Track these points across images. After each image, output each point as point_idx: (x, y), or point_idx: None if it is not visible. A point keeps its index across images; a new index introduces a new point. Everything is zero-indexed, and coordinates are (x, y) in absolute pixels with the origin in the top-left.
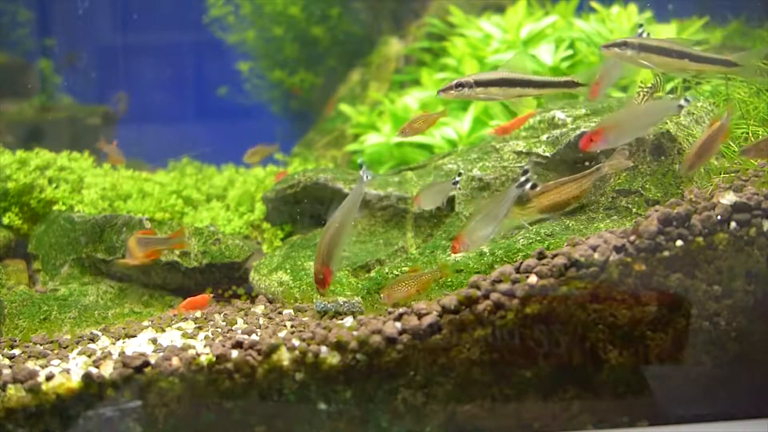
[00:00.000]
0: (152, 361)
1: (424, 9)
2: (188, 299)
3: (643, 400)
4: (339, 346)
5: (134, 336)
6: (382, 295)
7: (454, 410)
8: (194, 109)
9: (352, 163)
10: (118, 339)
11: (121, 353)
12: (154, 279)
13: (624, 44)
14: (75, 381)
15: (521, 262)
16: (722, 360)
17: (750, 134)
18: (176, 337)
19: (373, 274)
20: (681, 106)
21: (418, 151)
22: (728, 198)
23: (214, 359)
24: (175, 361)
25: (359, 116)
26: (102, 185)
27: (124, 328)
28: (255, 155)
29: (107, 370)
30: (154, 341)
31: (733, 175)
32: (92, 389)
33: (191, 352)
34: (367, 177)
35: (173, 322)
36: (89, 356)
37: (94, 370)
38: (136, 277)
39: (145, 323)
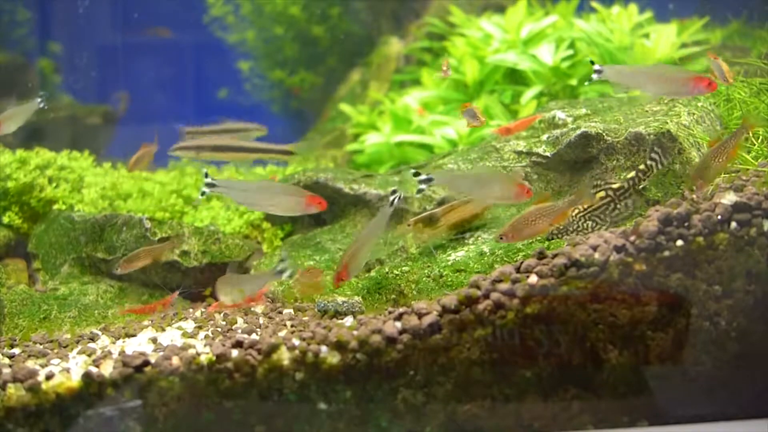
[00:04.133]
0: (152, 360)
1: (424, 9)
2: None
3: (644, 400)
4: (339, 346)
5: (134, 335)
6: (501, 235)
7: (454, 410)
8: (194, 109)
9: (352, 163)
10: (118, 338)
11: (121, 352)
12: (154, 278)
13: (185, 148)
14: (75, 380)
15: (521, 262)
16: (722, 360)
17: (750, 134)
18: (176, 337)
19: (373, 273)
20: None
21: (419, 151)
22: (729, 198)
23: (214, 358)
24: (175, 361)
25: (359, 116)
26: (102, 184)
27: (124, 328)
28: (140, 162)
29: (107, 369)
30: (154, 340)
31: (733, 174)
32: (92, 388)
33: (191, 351)
34: (397, 200)
35: (173, 321)
36: (89, 355)
37: (94, 370)
38: (135, 276)
39: (145, 322)
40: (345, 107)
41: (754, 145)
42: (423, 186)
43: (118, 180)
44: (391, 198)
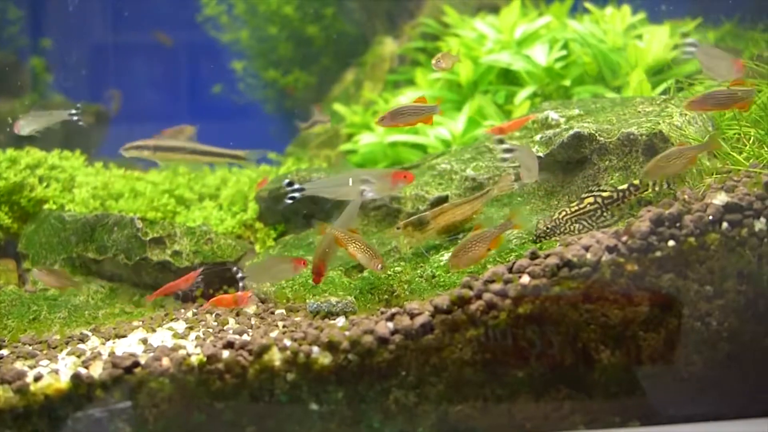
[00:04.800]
0: (142, 361)
1: (418, 9)
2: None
3: (635, 401)
4: (331, 346)
5: (125, 336)
6: (450, 264)
7: (446, 410)
8: (187, 108)
9: (346, 163)
10: (109, 339)
11: (111, 353)
12: (145, 279)
13: (140, 147)
14: (64, 381)
15: (514, 262)
16: (714, 360)
17: (742, 135)
18: (167, 338)
19: (365, 273)
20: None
21: (412, 151)
22: (720, 198)
23: (204, 359)
24: (165, 362)
25: (353, 116)
26: (93, 184)
27: (114, 328)
28: (178, 134)
29: (96, 370)
30: (144, 341)
31: (725, 175)
32: (81, 390)
33: (182, 352)
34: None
35: (164, 322)
36: (78, 356)
37: (83, 371)
38: (126, 276)
39: (136, 323)
40: (339, 107)
41: (746, 146)
42: (296, 195)
43: (110, 180)
44: (288, 191)
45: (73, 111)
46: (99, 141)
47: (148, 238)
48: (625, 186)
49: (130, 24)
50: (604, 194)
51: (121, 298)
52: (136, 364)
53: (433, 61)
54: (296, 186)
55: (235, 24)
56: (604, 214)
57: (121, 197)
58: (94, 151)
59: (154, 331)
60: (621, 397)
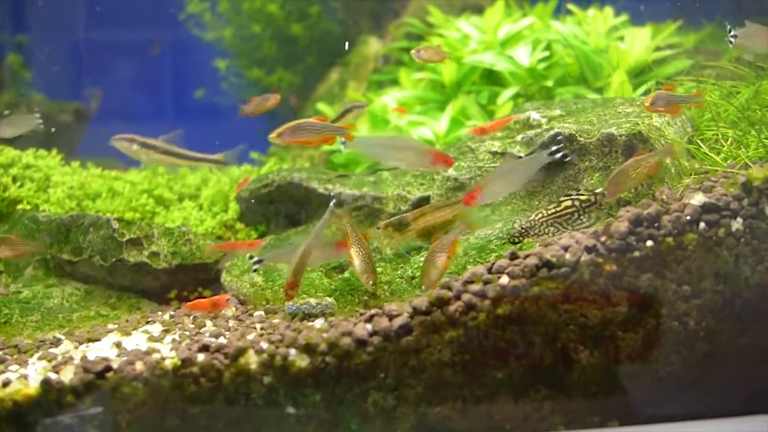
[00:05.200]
0: (115, 365)
1: (403, 9)
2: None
3: (614, 400)
4: (308, 349)
5: (98, 340)
6: (423, 285)
7: (425, 412)
8: (169, 107)
9: (329, 163)
10: (82, 343)
11: (83, 358)
12: (122, 281)
13: (132, 140)
14: (33, 387)
15: (493, 263)
16: (691, 359)
17: (720, 136)
18: (142, 341)
19: (346, 274)
20: (553, 153)
21: None
22: (697, 199)
23: (179, 363)
24: (138, 366)
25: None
26: (69, 184)
27: (88, 332)
28: (260, 106)
29: (67, 375)
30: (118, 345)
31: (703, 176)
32: (51, 396)
33: (156, 356)
34: (333, 208)
35: (140, 325)
36: (49, 361)
37: (53, 376)
38: (102, 278)
39: (111, 326)
40: (323, 107)
41: (724, 147)
42: (341, 147)
43: (87, 179)
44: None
45: (37, 116)
46: (78, 140)
47: (124, 239)
48: (602, 189)
49: (111, 21)
50: (582, 197)
51: (96, 300)
52: (109, 368)
53: (413, 51)
54: (346, 141)
55: (218, 22)
56: (581, 217)
57: (99, 197)
58: (74, 150)
59: (129, 334)
60: (600, 397)
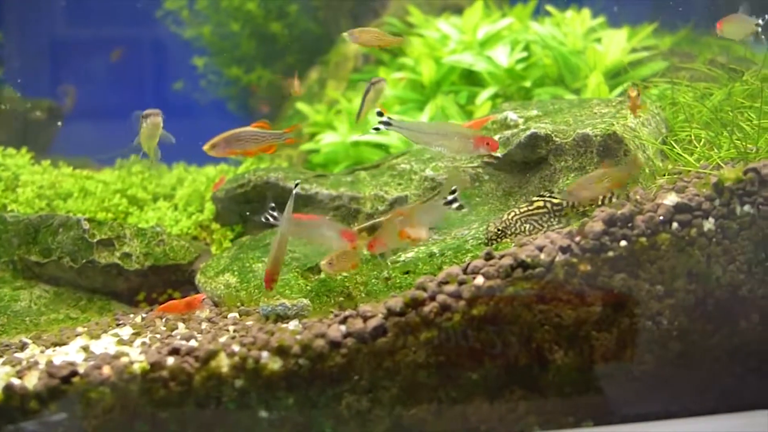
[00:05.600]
0: (81, 370)
1: (383, 8)
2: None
3: (589, 400)
4: (281, 351)
5: (66, 344)
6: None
7: (400, 415)
8: (147, 105)
9: (307, 163)
10: (48, 347)
11: (48, 363)
12: (93, 283)
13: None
14: None
15: (469, 263)
16: (665, 359)
17: (693, 137)
18: (111, 345)
19: (322, 275)
20: (449, 203)
21: (375, 151)
22: (670, 199)
23: (148, 367)
24: (106, 370)
25: (316, 115)
26: (39, 183)
27: (56, 336)
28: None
29: (31, 380)
30: (86, 349)
31: (676, 176)
32: (14, 402)
33: (124, 359)
34: (296, 189)
35: (110, 328)
36: (13, 366)
37: (16, 381)
38: (72, 280)
39: (79, 329)
40: (302, 106)
41: (697, 147)
42: (381, 126)
43: (57, 179)
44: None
45: None
46: (52, 138)
47: (95, 240)
48: (563, 196)
49: (88, 17)
50: (555, 200)
51: (66, 302)
52: (74, 373)
53: (346, 34)
54: (384, 118)
55: (196, 19)
56: (552, 219)
57: (70, 197)
58: (47, 148)
59: (98, 337)
60: (574, 397)
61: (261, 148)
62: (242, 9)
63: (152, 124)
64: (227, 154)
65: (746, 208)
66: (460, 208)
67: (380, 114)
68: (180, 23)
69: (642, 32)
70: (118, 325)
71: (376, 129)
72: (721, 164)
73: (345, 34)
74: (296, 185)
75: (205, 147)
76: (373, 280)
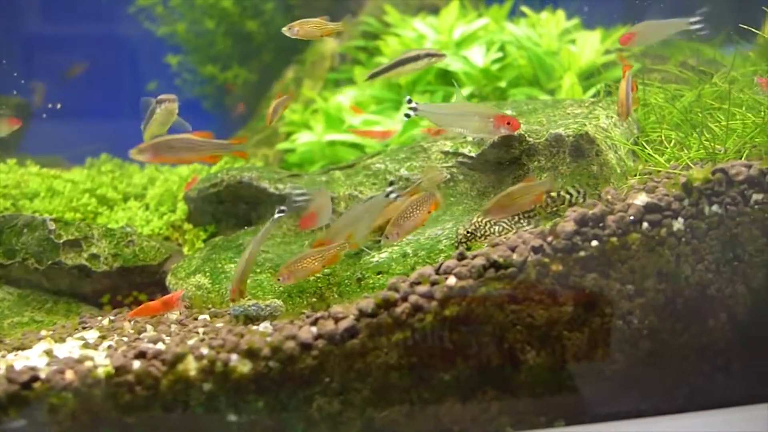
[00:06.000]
0: (42, 375)
1: (360, 7)
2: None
3: (560, 400)
4: (250, 354)
5: (29, 348)
6: (278, 276)
7: (371, 416)
8: (120, 103)
9: (283, 162)
10: (10, 352)
11: (8, 368)
12: (59, 284)
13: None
14: None
15: (441, 263)
16: (635, 358)
17: (663, 138)
18: (75, 348)
19: None
20: (388, 195)
21: (350, 151)
22: (641, 199)
23: (113, 371)
24: (69, 375)
25: (292, 114)
26: (4, 182)
27: (19, 340)
28: (278, 111)
29: None
30: (48, 353)
31: (646, 176)
32: None
33: (88, 364)
34: (278, 215)
35: (76, 331)
36: None
37: None
38: (38, 282)
39: (43, 333)
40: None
41: (667, 148)
42: (411, 113)
43: (23, 178)
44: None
45: None
46: (21, 136)
47: (61, 241)
48: (483, 210)
49: (58, 13)
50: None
51: (31, 305)
52: (35, 378)
53: (285, 28)
54: (413, 104)
55: (171, 16)
56: (521, 221)
57: (37, 197)
58: (16, 147)
59: (63, 341)
60: (546, 396)
61: (200, 157)
62: (217, 6)
63: (167, 110)
64: (156, 161)
65: (714, 208)
66: (395, 198)
67: (409, 101)
68: (153, 20)
69: (615, 34)
70: (84, 328)
71: (407, 116)
72: (691, 165)
73: (284, 29)
74: (279, 211)
75: (132, 151)
76: (345, 281)
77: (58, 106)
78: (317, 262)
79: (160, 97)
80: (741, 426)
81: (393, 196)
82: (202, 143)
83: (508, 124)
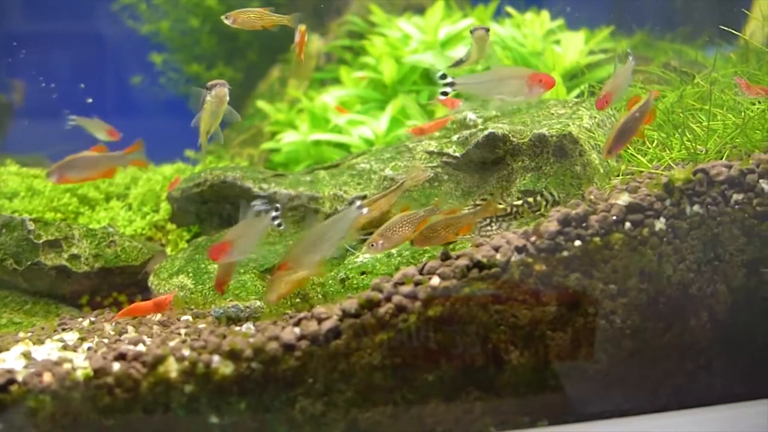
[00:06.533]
0: (20, 378)
1: (345, 7)
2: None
3: (544, 399)
4: (233, 355)
5: (6, 350)
6: (371, 243)
7: (355, 418)
8: (103, 102)
9: (268, 162)
10: None
11: None
12: (39, 285)
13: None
14: None
15: (425, 264)
16: (618, 357)
17: (646, 138)
18: (54, 350)
19: None
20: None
21: (336, 150)
22: (623, 199)
23: (91, 373)
24: (46, 377)
25: (277, 113)
26: None
27: None
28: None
29: None
30: (26, 355)
31: (629, 176)
32: None
33: (66, 366)
34: (264, 212)
35: (55, 333)
36: None
37: None
38: (17, 283)
39: (22, 335)
40: (263, 104)
41: (650, 148)
42: (447, 89)
43: (2, 177)
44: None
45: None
46: (2, 135)
47: (41, 241)
48: (519, 202)
49: (40, 10)
50: (499, 206)
51: (9, 307)
52: (12, 381)
53: (224, 17)
54: (449, 80)
55: (155, 14)
56: (492, 225)
57: (16, 196)
58: None
59: (42, 343)
60: (530, 396)
61: (100, 172)
62: (202, 5)
63: (217, 96)
64: (66, 181)
65: (695, 207)
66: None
67: (443, 77)
68: (137, 18)
69: (599, 35)
70: (63, 329)
71: (444, 93)
72: (672, 165)
73: (222, 18)
74: (274, 217)
75: (47, 172)
76: (330, 281)
77: (89, 100)
78: (408, 228)
79: (209, 83)
80: (741, 425)
81: (363, 210)
82: (99, 158)
83: (540, 81)
